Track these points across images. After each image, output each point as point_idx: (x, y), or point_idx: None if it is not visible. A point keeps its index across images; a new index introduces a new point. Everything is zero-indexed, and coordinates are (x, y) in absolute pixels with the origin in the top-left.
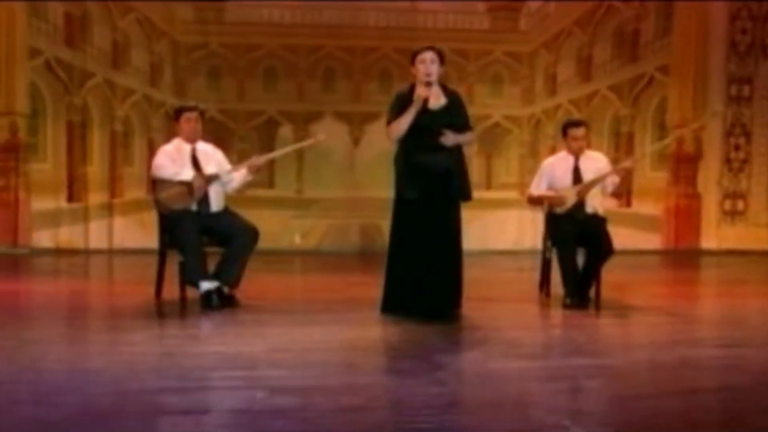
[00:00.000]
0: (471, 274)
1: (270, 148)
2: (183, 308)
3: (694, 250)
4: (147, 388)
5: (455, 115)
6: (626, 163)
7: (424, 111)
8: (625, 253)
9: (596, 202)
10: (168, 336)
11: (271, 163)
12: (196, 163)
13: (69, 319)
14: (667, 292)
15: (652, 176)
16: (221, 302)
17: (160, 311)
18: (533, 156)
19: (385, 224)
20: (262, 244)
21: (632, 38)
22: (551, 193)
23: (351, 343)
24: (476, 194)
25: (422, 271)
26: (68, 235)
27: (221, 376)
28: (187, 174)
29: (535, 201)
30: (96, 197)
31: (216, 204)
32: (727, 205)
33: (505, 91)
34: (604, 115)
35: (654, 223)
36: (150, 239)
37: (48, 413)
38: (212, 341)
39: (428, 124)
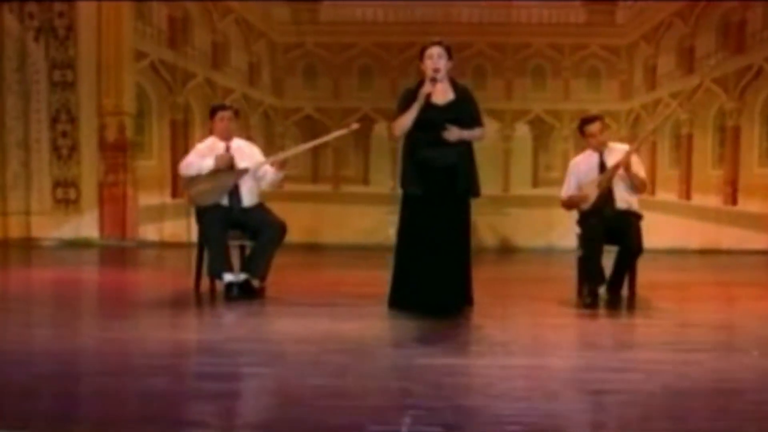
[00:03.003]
0: (527, 271)
1: (365, 145)
2: (212, 299)
3: None
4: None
5: (462, 111)
6: (632, 148)
7: (430, 106)
8: (730, 253)
9: (630, 198)
10: (150, 324)
11: (366, 161)
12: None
13: (96, 307)
14: (726, 295)
15: (759, 172)
16: (249, 294)
17: (181, 301)
18: None
19: (479, 221)
20: (357, 239)
21: (738, 28)
22: (576, 193)
23: (312, 336)
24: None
25: (427, 267)
26: (172, 229)
27: (149, 363)
28: (209, 163)
29: (566, 204)
30: None
31: (248, 199)
32: None
33: (602, 86)
34: (708, 110)
35: (763, 222)
36: None
37: None
38: (188, 329)
39: (433, 120)
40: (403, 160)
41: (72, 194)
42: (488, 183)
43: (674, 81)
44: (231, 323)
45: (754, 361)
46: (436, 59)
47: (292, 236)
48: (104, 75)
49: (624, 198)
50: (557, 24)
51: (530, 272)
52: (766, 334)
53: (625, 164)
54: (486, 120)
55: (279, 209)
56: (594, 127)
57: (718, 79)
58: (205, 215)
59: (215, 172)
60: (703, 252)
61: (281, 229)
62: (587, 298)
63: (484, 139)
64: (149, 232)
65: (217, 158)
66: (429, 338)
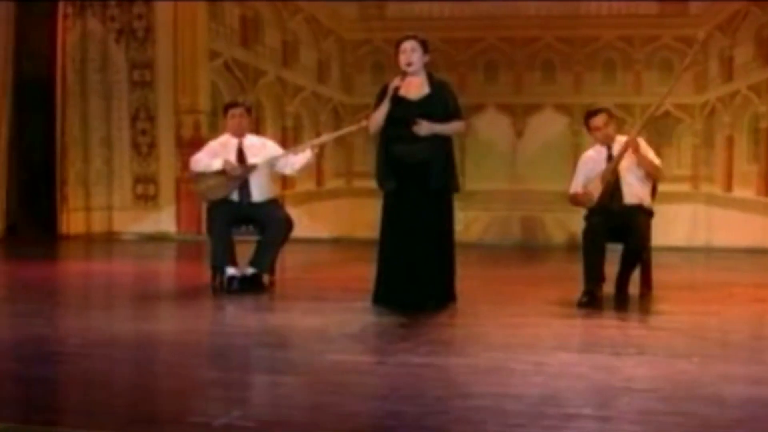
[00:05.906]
0: (570, 269)
1: None
2: (219, 291)
3: None
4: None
5: (436, 106)
6: (632, 133)
7: (401, 101)
8: None
9: (641, 192)
10: (114, 315)
11: None
12: (241, 155)
13: (94, 298)
14: (755, 298)
15: None
16: (257, 288)
17: (187, 294)
18: (707, 147)
19: (548, 217)
20: None
21: None
22: (582, 192)
23: (259, 330)
24: None
25: (405, 263)
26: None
27: (87, 351)
28: (218, 164)
29: (572, 201)
30: None
31: (258, 194)
32: None
33: None
34: None
35: None
36: (316, 228)
37: None
38: (158, 320)
39: (404, 115)
40: (377, 156)
41: (151, 190)
42: (558, 179)
43: (752, 72)
44: (197, 316)
45: (684, 367)
46: (409, 53)
47: (359, 232)
48: (180, 74)
49: (633, 192)
50: (627, 16)
51: (572, 270)
52: (738, 339)
53: (633, 147)
54: (555, 115)
55: (347, 205)
56: (598, 120)
57: None
58: (213, 209)
59: (223, 171)
60: None
61: (287, 224)
62: (583, 297)
63: (465, 133)
64: None
65: (226, 163)
66: (364, 335)
